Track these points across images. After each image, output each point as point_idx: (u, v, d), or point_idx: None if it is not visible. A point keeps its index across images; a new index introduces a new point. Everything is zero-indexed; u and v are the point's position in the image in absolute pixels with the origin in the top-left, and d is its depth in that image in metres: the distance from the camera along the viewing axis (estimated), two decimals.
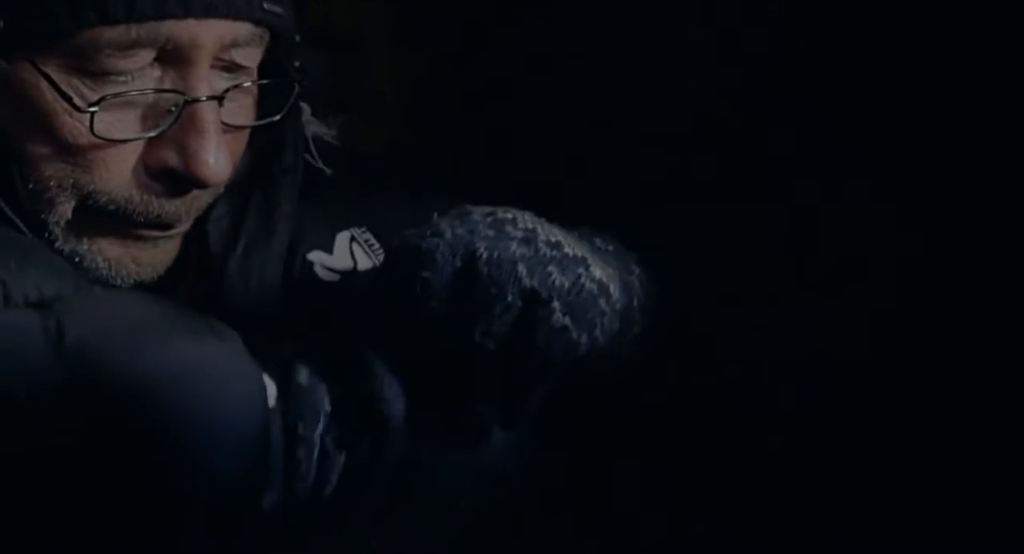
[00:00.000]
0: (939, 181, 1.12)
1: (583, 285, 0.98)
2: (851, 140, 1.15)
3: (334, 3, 1.47)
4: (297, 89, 1.10)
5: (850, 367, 1.13)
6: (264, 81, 1.09)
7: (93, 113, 1.02)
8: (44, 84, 1.02)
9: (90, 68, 1.02)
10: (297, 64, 1.10)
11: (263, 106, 1.11)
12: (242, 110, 1.09)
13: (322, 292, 1.14)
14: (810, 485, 1.11)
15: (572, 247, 1.00)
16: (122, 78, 1.03)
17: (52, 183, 1.04)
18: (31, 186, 1.05)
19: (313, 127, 1.20)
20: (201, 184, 1.05)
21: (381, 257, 1.17)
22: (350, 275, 1.15)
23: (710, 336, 1.15)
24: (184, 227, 1.09)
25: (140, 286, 1.09)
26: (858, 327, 1.13)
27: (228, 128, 1.07)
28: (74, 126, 1.02)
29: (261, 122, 1.10)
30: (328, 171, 1.19)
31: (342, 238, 1.17)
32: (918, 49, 1.13)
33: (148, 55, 1.02)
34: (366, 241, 1.18)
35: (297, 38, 1.11)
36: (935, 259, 1.12)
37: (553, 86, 1.33)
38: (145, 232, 1.08)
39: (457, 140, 1.40)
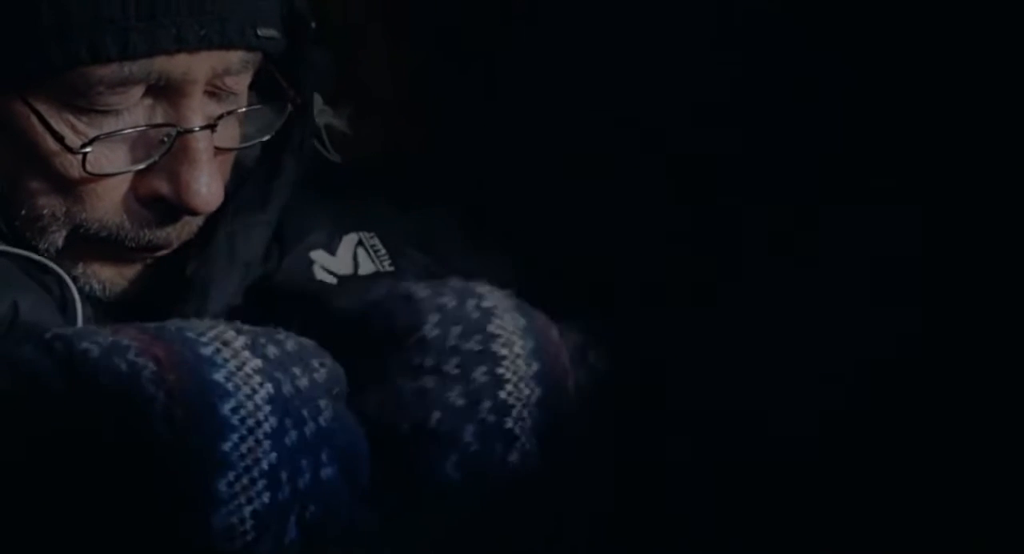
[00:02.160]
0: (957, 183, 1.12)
1: None
2: (862, 140, 1.15)
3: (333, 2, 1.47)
4: (290, 109, 1.10)
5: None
6: (257, 107, 1.09)
7: (86, 154, 1.02)
8: (35, 120, 1.02)
9: (81, 104, 1.02)
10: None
11: (253, 122, 1.12)
12: (231, 132, 1.09)
13: (311, 291, 1.14)
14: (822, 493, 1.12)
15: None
16: (113, 112, 1.03)
17: (45, 212, 1.05)
18: (24, 213, 1.05)
19: (326, 117, 1.20)
20: (192, 212, 1.06)
21: (387, 263, 1.17)
22: (348, 280, 1.15)
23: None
24: (174, 247, 1.10)
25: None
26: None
27: (218, 151, 1.07)
28: (66, 161, 1.03)
29: (249, 143, 1.10)
30: (338, 158, 1.19)
31: (348, 240, 1.17)
32: (927, 52, 1.13)
33: (140, 90, 1.02)
34: (372, 246, 1.18)
35: (312, 24, 1.11)
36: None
37: (555, 84, 1.33)
38: (135, 255, 1.08)
39: (457, 138, 1.40)
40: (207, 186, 1.04)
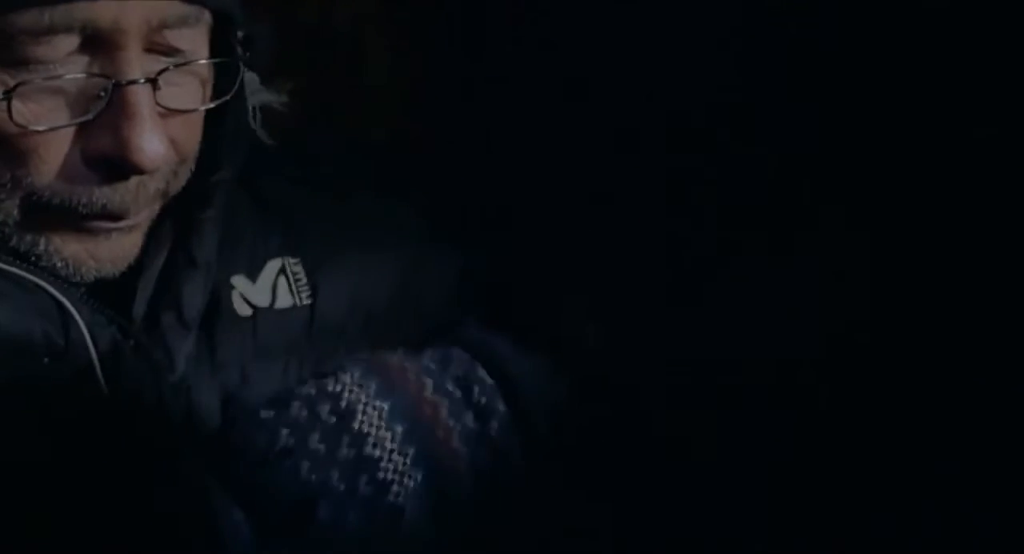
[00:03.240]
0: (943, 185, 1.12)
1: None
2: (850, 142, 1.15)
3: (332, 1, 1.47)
4: (243, 69, 1.08)
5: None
6: (201, 61, 1.06)
7: (9, 100, 1.00)
8: None
9: (9, 57, 1.00)
10: (241, 35, 1.08)
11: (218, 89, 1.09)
12: (187, 94, 1.06)
13: (230, 327, 1.13)
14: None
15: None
16: (44, 64, 1.00)
17: None
18: None
19: (263, 95, 1.17)
20: (137, 170, 1.03)
21: (305, 296, 1.16)
22: (264, 314, 1.14)
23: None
24: (137, 219, 1.07)
25: (101, 281, 1.08)
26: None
27: (169, 112, 1.04)
28: None
29: (204, 106, 1.07)
30: (268, 139, 1.16)
31: (271, 266, 1.16)
32: (926, 57, 1.13)
33: (70, 41, 1.00)
34: (295, 274, 1.16)
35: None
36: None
37: (556, 83, 1.33)
38: (97, 224, 1.06)
39: (456, 138, 1.39)
40: (149, 142, 1.01)
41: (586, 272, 1.20)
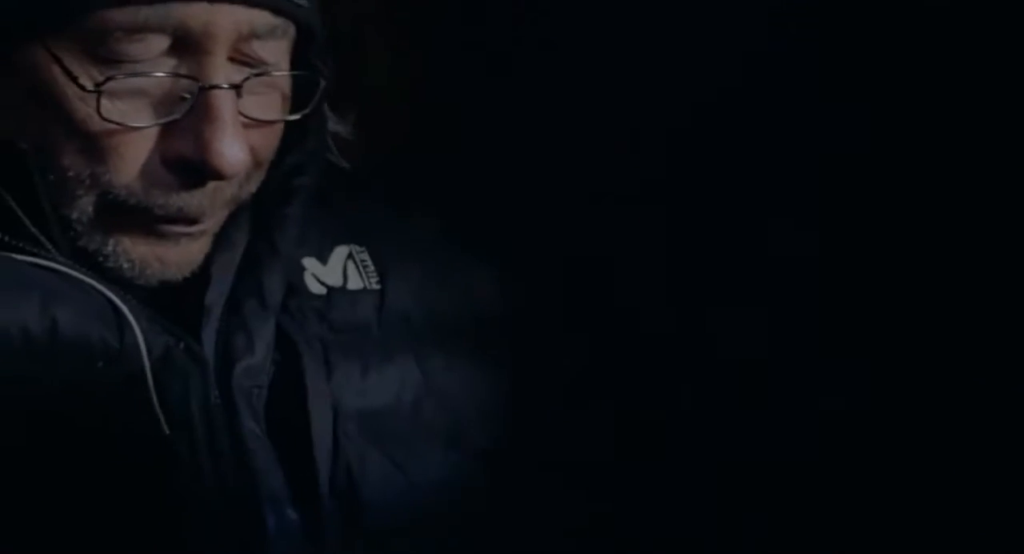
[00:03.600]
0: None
1: None
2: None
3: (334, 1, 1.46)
4: (323, 84, 1.09)
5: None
6: (284, 73, 1.08)
7: (100, 93, 1.01)
8: (56, 68, 1.01)
9: (102, 53, 1.01)
10: (319, 51, 1.10)
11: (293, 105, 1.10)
12: (268, 104, 1.08)
13: (305, 303, 1.14)
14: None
15: None
16: (134, 65, 1.02)
17: (70, 174, 1.03)
18: (51, 177, 1.03)
19: (330, 123, 1.18)
20: (216, 175, 1.04)
21: (374, 281, 1.16)
22: (336, 293, 1.15)
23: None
24: (209, 224, 1.08)
25: (166, 285, 1.08)
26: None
27: (251, 122, 1.06)
28: (84, 110, 1.02)
29: (285, 118, 1.09)
30: (346, 165, 1.18)
31: (340, 252, 1.17)
32: (922, 57, 1.13)
33: (160, 41, 1.02)
34: (362, 261, 1.17)
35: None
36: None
37: (558, 84, 1.33)
38: (170, 228, 1.06)
39: (456, 140, 1.40)
40: (230, 147, 1.02)
41: (590, 276, 1.21)
